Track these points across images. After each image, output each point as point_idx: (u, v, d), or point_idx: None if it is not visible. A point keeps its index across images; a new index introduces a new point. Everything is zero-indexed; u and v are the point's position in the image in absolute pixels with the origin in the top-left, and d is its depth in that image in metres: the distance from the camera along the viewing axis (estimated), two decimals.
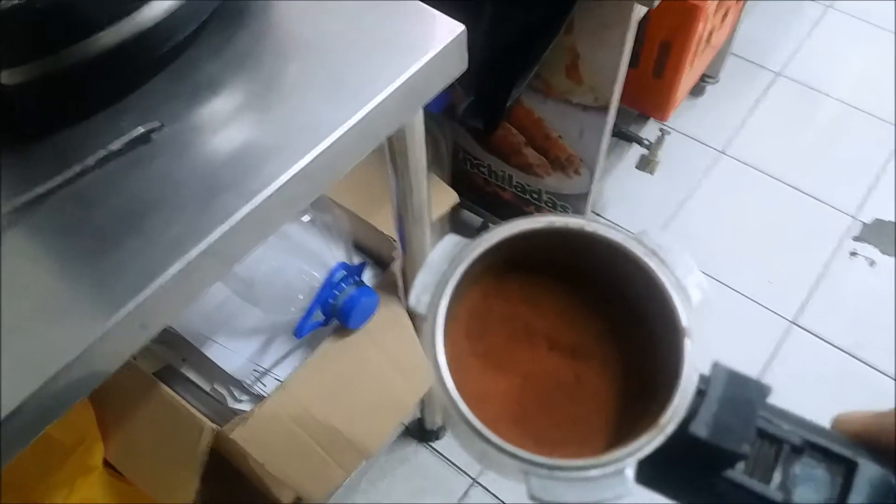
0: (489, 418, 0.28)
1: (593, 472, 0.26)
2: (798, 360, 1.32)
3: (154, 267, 0.46)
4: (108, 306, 0.45)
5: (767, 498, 0.26)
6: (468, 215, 1.40)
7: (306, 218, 0.85)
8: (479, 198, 1.25)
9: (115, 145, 0.51)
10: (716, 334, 1.34)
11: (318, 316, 0.82)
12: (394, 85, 0.54)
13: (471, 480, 1.21)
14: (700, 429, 0.26)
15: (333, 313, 0.82)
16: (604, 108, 0.95)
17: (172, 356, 0.91)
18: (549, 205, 1.16)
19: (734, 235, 1.47)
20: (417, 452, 1.23)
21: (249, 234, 0.50)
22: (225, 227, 0.48)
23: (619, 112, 0.99)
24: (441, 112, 1.07)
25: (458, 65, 0.60)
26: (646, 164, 1.31)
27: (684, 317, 0.28)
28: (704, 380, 0.28)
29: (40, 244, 0.48)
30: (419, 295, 0.28)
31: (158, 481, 0.85)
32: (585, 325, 0.31)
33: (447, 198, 1.04)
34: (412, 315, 0.91)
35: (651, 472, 0.27)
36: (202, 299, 0.89)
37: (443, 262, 0.29)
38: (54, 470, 0.83)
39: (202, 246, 0.48)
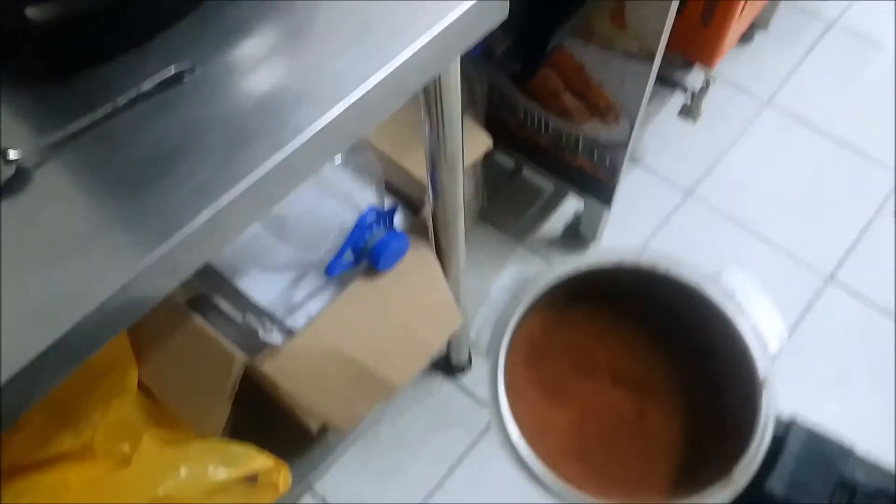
0: (551, 453, 0.28)
1: None
2: (831, 316, 1.30)
3: (184, 212, 0.47)
4: (138, 250, 0.46)
5: None
6: (501, 157, 1.39)
7: (338, 159, 0.85)
8: (514, 142, 1.24)
9: (147, 85, 0.51)
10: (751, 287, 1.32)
11: (349, 256, 0.83)
12: (429, 34, 0.52)
13: None
14: (777, 486, 0.26)
15: (364, 255, 0.83)
16: (648, 58, 0.92)
17: (205, 286, 0.93)
18: (586, 153, 1.14)
19: (775, 188, 1.43)
20: (442, 386, 1.26)
21: (278, 183, 0.50)
22: (254, 175, 0.48)
23: (663, 57, 0.95)
24: (478, 53, 1.05)
25: (499, 13, 0.58)
26: (688, 113, 1.27)
27: (762, 367, 0.27)
28: (778, 432, 0.27)
29: (69, 185, 0.48)
30: (479, 330, 0.28)
31: (190, 407, 0.88)
32: (651, 360, 0.30)
33: (481, 142, 1.03)
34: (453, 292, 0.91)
35: (743, 499, 0.27)
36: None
37: (504, 296, 0.28)
38: (91, 389, 0.87)
39: (232, 194, 0.48)
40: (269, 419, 0.98)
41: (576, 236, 1.38)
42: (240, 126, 0.50)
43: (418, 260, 0.90)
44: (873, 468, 0.27)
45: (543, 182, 1.42)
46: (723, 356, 0.28)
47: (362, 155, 0.85)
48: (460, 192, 0.83)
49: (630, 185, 1.38)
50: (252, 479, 0.82)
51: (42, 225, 0.47)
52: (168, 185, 0.48)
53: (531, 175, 1.42)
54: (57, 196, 0.48)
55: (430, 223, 0.92)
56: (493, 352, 0.27)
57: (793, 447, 0.27)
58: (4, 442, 0.86)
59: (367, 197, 0.84)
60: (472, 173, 1.17)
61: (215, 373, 0.83)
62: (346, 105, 0.51)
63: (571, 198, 1.40)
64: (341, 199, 0.83)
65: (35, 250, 0.46)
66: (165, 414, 0.91)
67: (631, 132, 1.05)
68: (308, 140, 0.50)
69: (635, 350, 0.29)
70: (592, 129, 1.09)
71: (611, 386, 0.29)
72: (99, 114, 0.50)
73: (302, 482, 1.06)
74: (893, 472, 0.27)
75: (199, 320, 0.85)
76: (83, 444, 0.86)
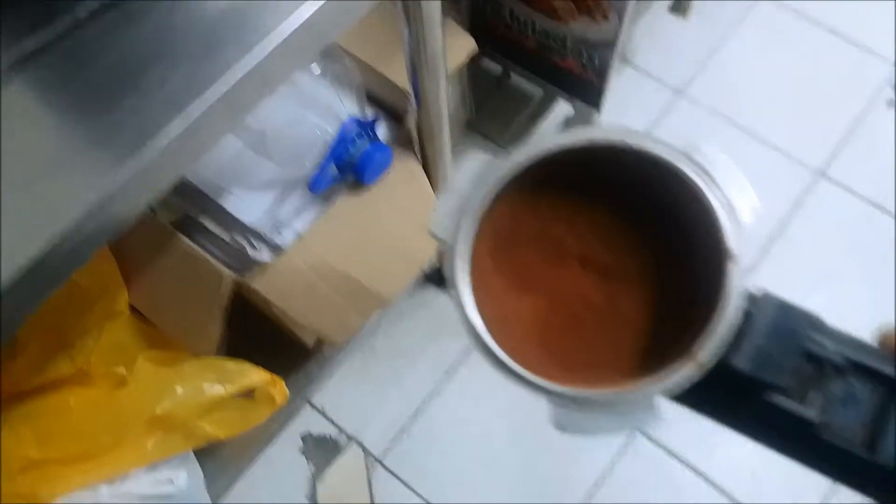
0: (514, 338, 0.27)
1: (620, 405, 0.25)
2: (822, 210, 1.30)
3: (155, 126, 0.45)
4: (110, 166, 0.44)
5: (803, 418, 0.26)
6: (488, 63, 1.35)
7: (316, 69, 0.82)
8: (500, 45, 1.19)
9: None
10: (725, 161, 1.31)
11: (333, 171, 0.82)
12: None
13: None
14: (742, 362, 0.25)
15: (348, 169, 0.81)
16: None
17: (190, 207, 0.92)
18: (575, 53, 1.11)
19: (768, 83, 1.40)
20: (436, 298, 1.26)
21: (251, 90, 0.48)
22: (224, 82, 0.46)
23: None
24: None
25: None
26: (679, 8, 1.22)
27: (732, 240, 0.26)
28: (749, 307, 0.26)
29: (36, 103, 0.47)
30: (441, 220, 0.27)
31: (183, 328, 0.89)
32: (622, 244, 0.28)
33: (464, 45, 0.99)
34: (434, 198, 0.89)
35: (691, 392, 0.26)
36: (214, 152, 0.88)
37: (467, 184, 0.27)
38: (83, 315, 0.87)
39: (203, 103, 0.46)
40: (264, 337, 0.98)
41: None
42: (207, 32, 0.48)
43: (404, 172, 0.89)
44: (846, 340, 0.27)
45: (532, 88, 1.38)
46: (695, 232, 0.27)
47: (341, 64, 0.82)
48: (444, 99, 0.80)
49: (620, 86, 1.35)
50: (249, 394, 0.83)
51: (11, 145, 0.45)
52: (137, 97, 0.46)
53: (519, 81, 1.38)
54: (24, 115, 0.47)
55: (414, 134, 0.90)
56: (454, 242, 0.26)
57: (760, 321, 0.26)
58: (4, 370, 0.87)
59: (347, 108, 0.82)
60: (458, 81, 1.14)
61: (206, 292, 0.82)
62: (319, 4, 0.48)
63: (561, 103, 1.36)
64: (321, 111, 0.81)
65: (6, 171, 0.44)
66: (159, 336, 0.91)
67: (620, 29, 1.01)
68: (279, 43, 0.48)
69: (606, 235, 0.28)
70: (580, 27, 1.05)
71: (580, 272, 0.28)
72: (60, 27, 0.48)
73: (300, 395, 1.08)
74: (866, 344, 0.27)
75: (185, 241, 0.84)
76: (79, 368, 0.87)
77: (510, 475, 1.14)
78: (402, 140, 0.90)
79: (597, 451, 1.14)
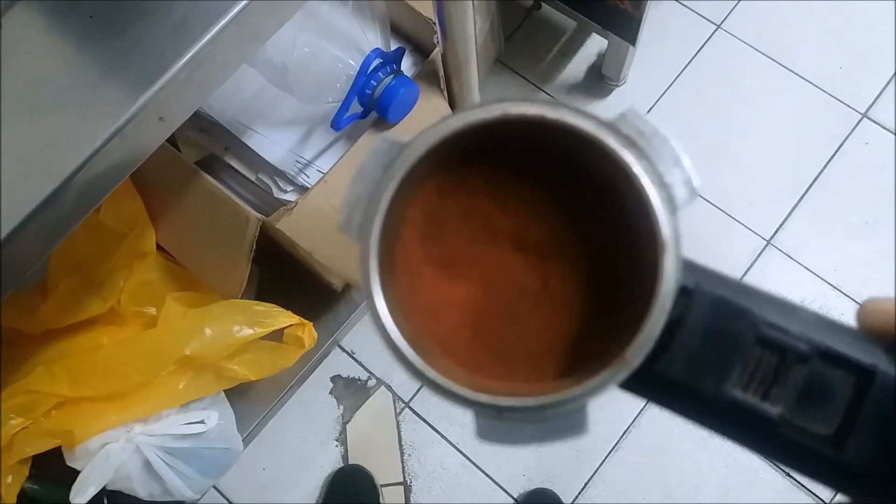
0: (445, 331, 0.25)
1: (547, 414, 0.22)
2: (865, 152, 1.24)
3: (163, 55, 0.43)
4: (121, 98, 0.43)
5: (761, 414, 0.23)
6: None
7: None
8: None
9: None
10: (774, 127, 1.26)
11: (356, 107, 0.79)
12: None
13: None
14: (671, 368, 0.23)
15: (371, 105, 0.79)
16: None
17: (215, 145, 0.90)
18: None
19: (809, 15, 1.32)
20: None
21: (263, 15, 0.46)
22: (233, 6, 0.44)
23: None
24: None
25: None
26: None
27: (664, 226, 0.23)
28: (682, 302, 0.23)
29: (39, 30, 0.45)
30: (349, 212, 0.24)
31: (210, 268, 0.88)
32: (557, 222, 0.26)
33: None
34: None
35: (640, 382, 0.23)
36: (236, 88, 0.87)
37: (376, 169, 0.24)
38: (111, 254, 0.87)
39: (212, 30, 0.44)
40: (294, 280, 0.98)
41: (599, 78, 1.31)
42: None
43: (429, 109, 0.86)
44: (814, 322, 0.23)
45: (564, 20, 1.33)
46: (628, 212, 0.24)
47: None
48: (471, 29, 0.77)
49: (657, 18, 1.29)
50: (278, 337, 0.83)
51: (18, 76, 0.44)
52: (143, 24, 0.44)
53: (550, 13, 1.32)
54: (28, 44, 0.45)
55: (440, 68, 0.86)
56: (364, 234, 0.23)
57: (694, 321, 0.23)
58: (37, 309, 0.88)
59: (370, 40, 0.79)
60: (486, 11, 1.09)
61: (232, 234, 0.82)
62: None
63: (594, 37, 1.31)
64: (344, 43, 0.78)
65: (16, 102, 0.43)
66: (186, 276, 0.91)
67: None
68: None
69: (540, 211, 0.26)
70: None
71: (514, 254, 0.26)
72: None
73: (330, 339, 1.08)
74: (838, 325, 0.23)
75: (210, 181, 0.83)
76: (110, 307, 0.88)
77: None
78: (428, 75, 0.87)
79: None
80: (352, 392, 1.15)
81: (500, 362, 0.25)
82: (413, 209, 0.26)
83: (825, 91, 1.28)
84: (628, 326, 0.23)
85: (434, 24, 0.81)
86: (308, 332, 0.84)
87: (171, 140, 0.85)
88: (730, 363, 0.23)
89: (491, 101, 0.24)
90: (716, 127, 1.27)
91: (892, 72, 1.28)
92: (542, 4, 1.30)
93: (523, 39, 1.33)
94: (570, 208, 0.26)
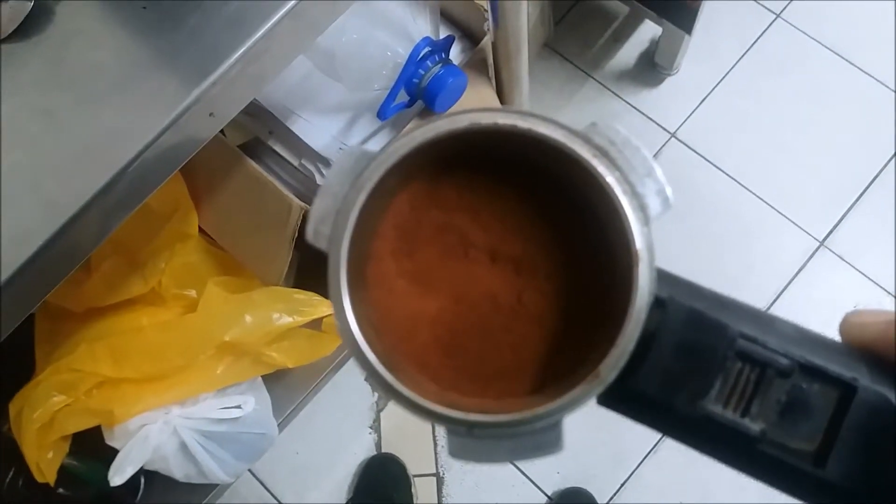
0: (418, 347, 0.24)
1: (520, 430, 0.22)
2: None
3: (219, 48, 0.42)
4: (176, 90, 0.42)
5: (742, 431, 0.22)
6: None
7: None
8: None
9: None
10: (832, 122, 1.21)
11: (403, 97, 0.77)
12: None
13: None
14: (646, 383, 0.22)
15: (418, 94, 0.77)
16: None
17: (259, 128, 0.89)
18: None
19: (868, 7, 1.26)
20: None
21: (320, 8, 0.44)
22: (286, 5, 0.42)
23: None
24: None
25: None
26: None
27: (638, 237, 0.22)
28: (656, 315, 0.22)
29: (94, 19, 0.44)
30: (317, 225, 0.23)
31: (252, 253, 0.88)
32: (532, 235, 0.25)
33: None
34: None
35: (617, 398, 0.23)
36: (284, 72, 0.85)
37: (344, 181, 0.23)
38: (154, 235, 0.87)
39: (269, 22, 0.43)
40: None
41: (651, 66, 1.27)
42: None
43: (477, 100, 0.84)
44: (795, 335, 0.23)
45: (617, 5, 1.29)
46: (602, 225, 0.23)
47: None
48: (524, 17, 0.74)
49: (713, 6, 1.24)
50: (317, 325, 0.82)
51: (72, 65, 0.44)
52: (199, 16, 0.43)
53: None
54: (82, 33, 0.44)
55: (489, 57, 0.84)
56: (334, 247, 0.23)
57: (668, 335, 0.22)
58: (79, 287, 0.88)
59: (420, 27, 0.76)
60: None
61: (274, 220, 0.81)
62: None
63: (647, 24, 1.27)
64: (393, 30, 0.76)
65: (73, 92, 0.43)
66: (227, 260, 0.91)
67: None
68: None
69: (515, 225, 0.25)
70: None
71: (487, 268, 0.25)
72: None
73: None
74: (820, 338, 0.23)
75: (253, 166, 0.82)
76: (152, 288, 0.88)
77: None
78: (477, 64, 0.85)
79: None
80: None
81: (474, 378, 0.25)
82: (384, 223, 0.25)
83: (888, 87, 1.22)
84: (603, 341, 0.22)
85: (486, 11, 0.79)
86: None
87: None
88: (705, 378, 0.22)
89: (460, 112, 0.23)
90: (771, 121, 1.23)
91: None
92: None
93: (573, 24, 1.30)
94: (544, 221, 0.25)
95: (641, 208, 0.22)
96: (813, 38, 1.26)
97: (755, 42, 1.27)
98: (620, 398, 0.23)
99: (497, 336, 0.25)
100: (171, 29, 0.43)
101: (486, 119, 0.23)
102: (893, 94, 1.22)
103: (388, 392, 0.23)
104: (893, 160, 1.19)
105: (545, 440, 0.23)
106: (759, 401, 0.22)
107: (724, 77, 1.26)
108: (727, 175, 1.21)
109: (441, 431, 1.11)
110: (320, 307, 0.80)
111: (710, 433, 0.22)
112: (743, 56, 1.27)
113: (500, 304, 0.25)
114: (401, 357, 0.24)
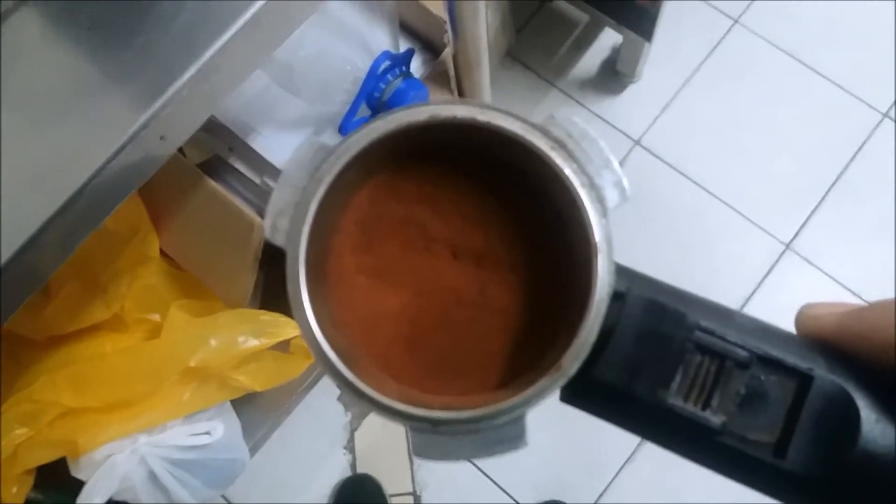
0: (381, 344, 0.24)
1: (483, 426, 0.22)
2: (887, 154, 1.21)
3: (168, 66, 0.41)
4: (127, 111, 0.41)
5: (703, 424, 0.22)
6: None
7: None
8: None
9: None
10: (794, 126, 1.22)
11: (364, 111, 0.77)
12: None
13: None
14: (606, 372, 0.22)
15: (380, 108, 0.76)
16: None
17: (218, 145, 0.88)
18: None
19: (834, 11, 1.28)
20: None
21: (274, 24, 0.44)
22: (243, 18, 0.41)
23: None
24: None
25: None
26: None
27: (596, 228, 0.22)
28: (616, 306, 0.22)
29: (41, 37, 0.43)
30: (275, 219, 0.23)
31: (215, 274, 0.86)
32: (494, 228, 0.25)
33: None
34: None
35: (576, 389, 0.23)
36: (241, 86, 0.84)
37: (303, 174, 0.23)
38: (114, 258, 0.85)
39: (218, 39, 0.41)
40: None
41: (613, 74, 1.28)
42: None
43: None
44: (752, 328, 0.23)
45: (577, 13, 1.29)
46: (562, 217, 0.24)
47: None
48: (483, 28, 0.74)
49: (673, 12, 1.25)
50: (285, 347, 0.81)
51: (19, 85, 0.42)
52: (148, 33, 0.42)
53: (563, 6, 1.29)
54: (30, 51, 0.43)
55: (450, 68, 0.83)
56: (292, 242, 0.23)
57: (627, 324, 0.22)
58: (39, 314, 0.86)
59: (380, 39, 0.76)
60: (498, 5, 1.06)
61: (236, 239, 0.79)
62: None
63: (608, 31, 1.28)
64: (352, 42, 0.75)
65: (19, 116, 0.41)
66: (191, 283, 0.89)
67: None
68: None
69: (477, 217, 0.25)
70: None
71: (450, 261, 0.25)
72: None
73: None
74: (777, 331, 0.23)
75: (213, 185, 0.80)
76: (114, 314, 0.86)
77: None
78: (438, 76, 0.84)
79: None
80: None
81: (437, 374, 0.24)
82: (344, 217, 0.25)
83: (846, 90, 1.25)
84: (565, 333, 0.22)
85: (445, 22, 0.79)
86: None
87: None
88: (665, 367, 0.22)
89: (420, 104, 0.23)
90: (733, 126, 1.24)
91: None
92: None
93: (535, 32, 1.30)
94: (506, 214, 0.25)
95: (599, 200, 0.23)
96: (770, 43, 1.28)
97: (715, 48, 1.28)
98: (583, 391, 0.23)
99: (460, 330, 0.25)
100: (119, 49, 0.42)
101: (446, 112, 0.23)
102: (849, 96, 1.24)
103: (350, 391, 0.22)
104: (853, 161, 1.21)
105: (509, 435, 0.23)
106: (719, 393, 0.22)
107: (685, 83, 1.27)
108: (691, 181, 1.21)
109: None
110: (287, 328, 0.79)
111: (672, 427, 0.22)
112: (703, 62, 1.28)
113: (463, 298, 0.25)
114: (363, 355, 0.24)
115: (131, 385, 0.78)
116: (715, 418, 0.22)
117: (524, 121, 0.23)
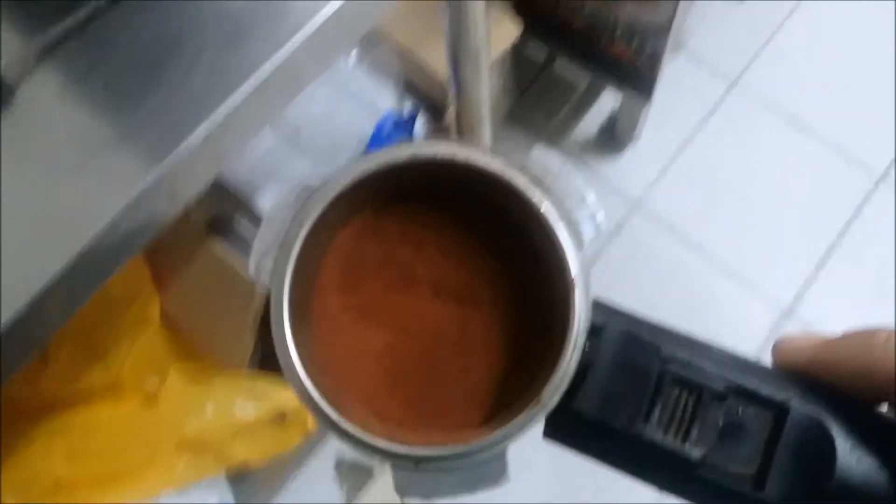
0: (363, 383, 0.24)
1: (465, 462, 0.22)
2: (884, 217, 1.21)
3: (180, 126, 0.42)
4: (136, 169, 0.41)
5: (684, 457, 0.22)
6: (531, 51, 1.28)
7: (353, 56, 0.77)
8: (546, 26, 1.13)
9: None
10: (794, 188, 1.23)
11: None
12: None
13: None
14: (585, 405, 0.22)
15: None
16: None
17: (225, 205, 0.88)
18: (625, 37, 1.04)
19: (829, 73, 1.30)
20: None
21: (281, 86, 0.44)
22: (253, 81, 0.42)
23: None
24: None
25: None
26: None
27: (573, 263, 0.23)
28: (593, 338, 0.23)
29: (56, 98, 0.43)
30: (259, 259, 0.23)
31: (215, 339, 0.85)
32: (475, 266, 0.26)
33: (508, 32, 0.94)
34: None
35: (557, 424, 0.23)
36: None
37: (286, 215, 0.23)
38: (114, 321, 0.84)
39: (230, 100, 0.42)
40: None
41: (612, 137, 1.29)
42: (234, 22, 0.44)
43: None
44: (728, 360, 0.24)
45: (577, 76, 1.31)
46: (541, 254, 0.24)
47: (379, 50, 0.77)
48: (486, 89, 0.74)
49: (672, 73, 1.27)
50: (280, 418, 0.80)
51: (31, 145, 0.42)
52: (161, 93, 0.43)
53: (564, 69, 1.31)
54: (44, 112, 0.43)
55: (453, 129, 0.84)
56: (276, 281, 0.23)
57: (605, 355, 0.23)
58: (36, 378, 0.84)
59: (385, 99, 0.77)
60: (501, 68, 1.08)
61: (238, 303, 0.78)
62: None
63: (608, 93, 1.30)
64: (358, 102, 0.76)
65: (28, 172, 0.42)
66: (191, 347, 0.88)
67: (675, 11, 0.94)
68: (310, 36, 0.44)
69: (458, 257, 0.26)
70: (632, 7, 0.98)
71: (432, 300, 0.26)
72: (81, 15, 0.44)
73: None
74: (753, 364, 0.24)
75: (218, 245, 0.80)
76: (112, 378, 0.84)
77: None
78: (441, 136, 0.85)
79: None
80: (356, 475, 1.10)
81: (420, 412, 0.25)
82: (328, 257, 0.25)
83: (844, 152, 1.25)
84: (545, 368, 0.23)
85: (448, 84, 0.79)
86: None
87: None
88: (642, 396, 0.23)
89: (401, 144, 0.24)
90: (733, 187, 1.25)
91: None
92: (556, 60, 1.29)
93: (537, 94, 1.32)
94: (486, 251, 0.26)
95: (576, 234, 0.23)
96: (767, 105, 1.29)
97: (712, 110, 1.30)
98: (564, 425, 0.23)
99: (443, 368, 0.25)
100: (131, 108, 0.42)
101: (427, 151, 0.24)
102: (846, 158, 1.25)
103: (333, 430, 0.22)
104: (852, 222, 1.21)
105: (491, 471, 0.23)
106: (697, 426, 0.22)
107: (684, 145, 1.28)
108: (691, 242, 1.21)
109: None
110: (284, 395, 0.77)
111: (653, 460, 0.23)
112: (702, 124, 1.29)
113: (445, 336, 0.25)
114: (347, 394, 0.24)
115: (126, 454, 0.76)
116: (695, 451, 0.22)
117: (502, 158, 0.24)
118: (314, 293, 0.25)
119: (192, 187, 0.45)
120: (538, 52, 1.28)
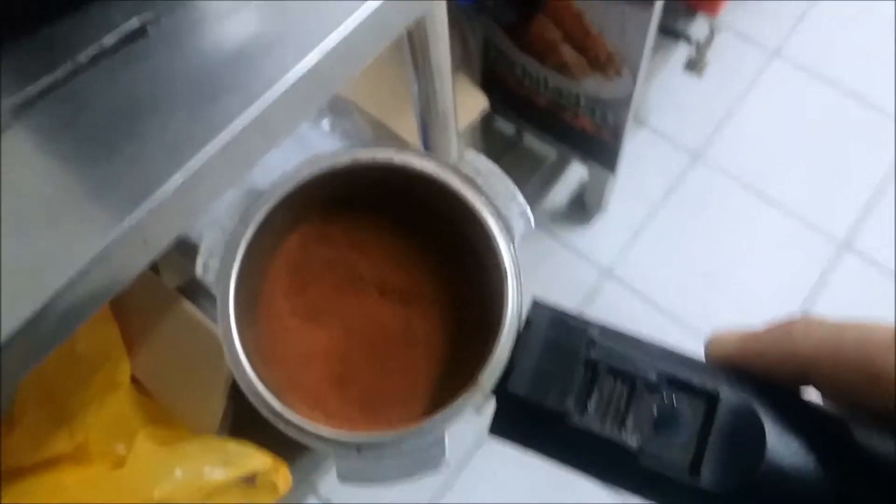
0: (311, 382, 0.25)
1: (406, 446, 0.23)
2: (851, 288, 1.24)
3: (153, 178, 0.43)
4: (106, 220, 0.42)
5: (621, 446, 0.23)
6: (501, 125, 1.33)
7: (326, 125, 0.80)
8: (512, 102, 1.18)
9: (109, 40, 0.47)
10: (759, 255, 1.27)
11: None
12: None
13: None
14: (517, 386, 0.23)
15: None
16: (649, 0, 0.86)
17: (193, 267, 0.88)
18: (588, 111, 1.09)
19: (787, 144, 1.37)
20: None
21: (254, 141, 0.46)
22: (227, 133, 0.44)
23: (666, 6, 0.90)
24: (470, 4, 0.99)
25: None
26: (694, 65, 1.21)
27: (506, 255, 0.25)
28: (526, 325, 0.24)
29: (34, 151, 0.45)
30: (206, 260, 0.24)
31: (185, 402, 0.84)
32: (417, 265, 0.27)
33: (476, 103, 0.98)
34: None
35: (504, 423, 0.24)
36: (216, 210, 0.86)
37: (232, 215, 0.25)
38: (83, 385, 0.83)
39: (204, 154, 0.44)
40: None
41: (581, 208, 1.33)
42: (209, 79, 0.46)
43: None
44: (662, 353, 0.24)
45: (545, 150, 1.36)
46: (476, 249, 0.26)
47: (350, 120, 0.80)
48: (454, 153, 0.78)
49: (636, 147, 1.33)
50: (251, 480, 0.78)
51: (7, 194, 0.43)
52: (136, 146, 0.45)
53: (532, 143, 1.36)
54: (22, 163, 0.45)
55: None
56: (221, 281, 0.24)
57: (535, 339, 0.24)
58: (0, 442, 0.82)
59: None
60: (471, 138, 1.12)
61: (210, 365, 0.78)
62: (324, 51, 0.46)
63: (575, 166, 1.34)
64: None
65: (2, 222, 0.42)
66: (160, 410, 0.86)
67: (634, 87, 0.99)
68: (284, 92, 0.46)
69: (402, 257, 0.27)
70: (594, 84, 1.03)
71: (378, 299, 0.27)
72: (61, 73, 0.46)
73: (305, 482, 1.02)
74: (684, 356, 0.25)
75: (190, 308, 0.80)
76: (78, 444, 0.83)
77: None
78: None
79: None
80: None
81: (366, 409, 0.25)
82: (276, 260, 0.26)
83: (804, 220, 1.30)
84: (483, 356, 0.24)
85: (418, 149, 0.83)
86: (283, 476, 0.79)
87: (152, 263, 0.83)
88: (570, 374, 0.23)
89: (343, 150, 0.26)
90: (699, 256, 1.28)
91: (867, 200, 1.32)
92: (524, 135, 1.34)
93: (507, 166, 1.31)
94: (428, 251, 0.27)
95: (507, 229, 0.25)
96: (730, 175, 1.35)
97: (677, 180, 1.35)
98: (504, 417, 0.24)
99: (388, 363, 0.26)
100: (106, 159, 0.44)
101: (366, 155, 0.25)
102: (808, 226, 1.30)
103: (276, 419, 0.23)
104: (818, 289, 1.25)
105: (431, 457, 0.23)
106: (632, 416, 0.23)
107: (651, 214, 1.32)
108: (660, 310, 1.24)
109: None
110: (255, 458, 0.76)
111: (591, 450, 0.23)
112: (667, 194, 1.34)
113: (390, 332, 0.26)
114: (293, 393, 0.25)
115: None
116: (631, 440, 0.23)
117: (437, 161, 0.26)
118: (262, 294, 0.25)
119: (164, 237, 0.46)
120: (508, 124, 1.33)
